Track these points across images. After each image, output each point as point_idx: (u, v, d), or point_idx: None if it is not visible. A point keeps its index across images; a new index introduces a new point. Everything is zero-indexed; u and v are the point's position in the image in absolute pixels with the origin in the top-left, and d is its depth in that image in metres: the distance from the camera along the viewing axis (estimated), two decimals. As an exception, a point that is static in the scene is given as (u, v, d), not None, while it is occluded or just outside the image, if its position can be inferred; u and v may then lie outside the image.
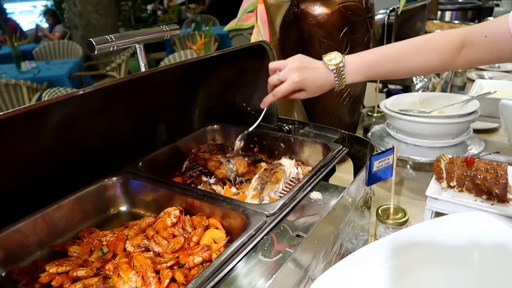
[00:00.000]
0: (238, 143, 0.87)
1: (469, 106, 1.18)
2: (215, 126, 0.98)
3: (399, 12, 1.21)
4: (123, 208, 0.77)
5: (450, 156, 0.98)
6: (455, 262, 0.47)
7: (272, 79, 0.83)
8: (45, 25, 7.18)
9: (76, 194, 0.72)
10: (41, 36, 6.36)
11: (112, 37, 0.58)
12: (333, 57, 0.81)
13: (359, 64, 0.82)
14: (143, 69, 0.64)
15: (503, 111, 0.46)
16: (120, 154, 0.79)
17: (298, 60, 0.82)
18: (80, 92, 0.55)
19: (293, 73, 0.80)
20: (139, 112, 0.83)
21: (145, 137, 0.84)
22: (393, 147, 0.77)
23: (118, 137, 0.80)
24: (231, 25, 1.18)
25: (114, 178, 0.76)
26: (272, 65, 0.84)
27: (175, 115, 0.92)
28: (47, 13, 6.97)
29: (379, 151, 0.76)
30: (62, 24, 6.91)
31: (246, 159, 0.82)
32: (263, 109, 0.85)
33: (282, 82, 0.81)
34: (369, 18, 1.20)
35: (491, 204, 0.88)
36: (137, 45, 0.63)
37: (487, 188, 0.88)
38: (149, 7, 8.25)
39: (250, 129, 0.86)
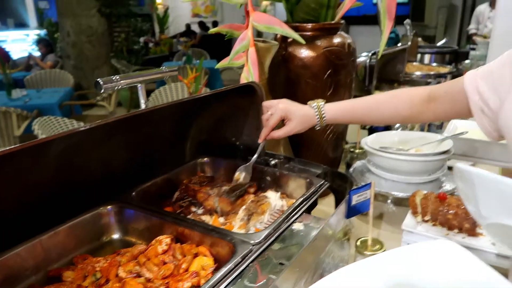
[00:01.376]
0: (237, 173, 0.93)
1: (444, 145, 1.27)
2: (206, 159, 1.04)
3: (378, 57, 1.31)
4: (116, 236, 0.81)
5: (425, 192, 1.05)
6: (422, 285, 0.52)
7: (265, 115, 0.95)
8: (37, 53, 7.27)
9: (72, 222, 0.76)
10: (32, 65, 6.42)
11: (118, 77, 0.64)
12: (315, 101, 0.96)
13: (336, 109, 0.96)
14: (143, 106, 0.70)
15: (458, 177, 0.53)
16: (115, 183, 0.83)
17: (286, 99, 0.97)
18: (82, 128, 0.61)
19: (280, 105, 0.94)
20: (134, 144, 0.88)
21: (139, 168, 0.89)
22: (371, 183, 0.84)
23: (113, 168, 0.85)
24: (223, 63, 1.26)
25: (109, 207, 0.80)
26: (265, 103, 0.97)
27: (168, 148, 0.98)
28: (41, 42, 7.08)
29: (358, 186, 0.82)
30: (54, 54, 7.00)
31: (230, 199, 0.87)
32: (260, 144, 0.96)
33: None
34: (351, 61, 1.30)
35: (462, 238, 0.94)
36: (138, 85, 0.69)
37: (458, 223, 0.95)
38: (142, 39, 8.44)
39: (251, 161, 0.95)
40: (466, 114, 0.83)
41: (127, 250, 0.73)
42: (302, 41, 1.07)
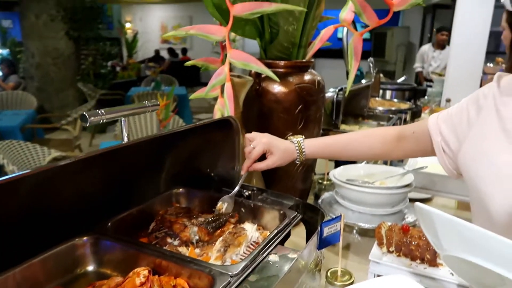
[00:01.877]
0: (220, 203, 0.96)
1: (406, 178, 1.35)
2: (181, 189, 1.05)
3: (346, 93, 1.39)
4: (90, 267, 0.80)
5: (389, 224, 1.11)
6: None
7: (248, 148, 1.01)
8: (-2, 73, 7.04)
9: (46, 254, 0.75)
10: (-7, 85, 6.20)
11: (103, 111, 0.66)
12: (295, 137, 1.04)
13: (315, 145, 1.03)
14: (125, 139, 0.72)
15: (418, 214, 0.59)
16: (90, 214, 0.83)
17: (268, 134, 1.04)
18: (60, 164, 0.62)
19: (263, 139, 1.01)
20: (111, 176, 0.89)
21: (115, 199, 0.89)
22: (341, 215, 0.88)
23: (89, 199, 0.84)
24: (198, 94, 1.30)
25: (84, 238, 0.80)
26: (248, 136, 1.03)
27: (144, 179, 0.99)
28: (3, 62, 6.86)
29: (329, 218, 0.87)
30: (17, 74, 6.80)
31: (208, 228, 0.89)
32: (242, 175, 1.02)
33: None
34: (321, 97, 1.38)
35: (424, 268, 1.00)
36: (122, 119, 0.71)
37: (420, 254, 1.01)
38: (109, 63, 8.37)
39: (233, 192, 0.99)
40: (430, 153, 0.92)
41: (103, 283, 0.73)
42: (276, 78, 1.13)
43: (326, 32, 1.37)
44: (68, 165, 0.65)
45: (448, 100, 3.35)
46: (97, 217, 0.86)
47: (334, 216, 0.88)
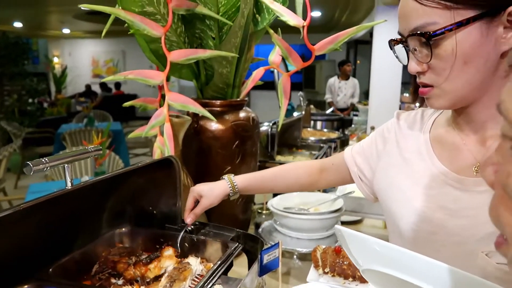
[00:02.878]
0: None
1: (337, 203, 1.47)
2: (123, 229, 1.07)
3: (278, 129, 1.50)
4: (32, 316, 0.79)
5: (324, 247, 1.21)
6: None
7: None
8: None
9: (-16, 306, 0.73)
10: None
11: (47, 159, 0.69)
12: (226, 175, 1.11)
13: (246, 178, 1.10)
14: (69, 184, 0.74)
15: (337, 234, 0.68)
16: (31, 262, 0.82)
17: (203, 183, 1.12)
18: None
19: (195, 188, 1.09)
20: (52, 222, 0.89)
21: (56, 244, 0.89)
22: (279, 242, 0.96)
23: (29, 247, 0.84)
24: (138, 133, 1.34)
25: (26, 286, 0.79)
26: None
27: (86, 222, 0.99)
28: None
29: (268, 246, 0.94)
30: None
31: (144, 261, 0.93)
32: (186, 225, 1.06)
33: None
34: (256, 132, 1.48)
35: (356, 285, 1.10)
36: (66, 165, 0.74)
37: (351, 272, 1.11)
38: (36, 100, 7.95)
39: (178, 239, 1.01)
40: (349, 181, 1.04)
41: (48, 330, 0.73)
42: (213, 118, 1.20)
43: (257, 73, 1.48)
44: (8, 216, 0.66)
45: (372, 128, 3.66)
46: (38, 264, 0.85)
47: (273, 244, 0.95)
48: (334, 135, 2.80)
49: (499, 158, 0.32)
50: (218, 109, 1.38)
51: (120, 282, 0.90)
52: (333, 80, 6.24)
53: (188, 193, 1.27)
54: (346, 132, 3.27)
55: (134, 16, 1.12)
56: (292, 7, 1.29)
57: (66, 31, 11.92)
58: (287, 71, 1.41)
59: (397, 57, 0.81)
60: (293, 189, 1.16)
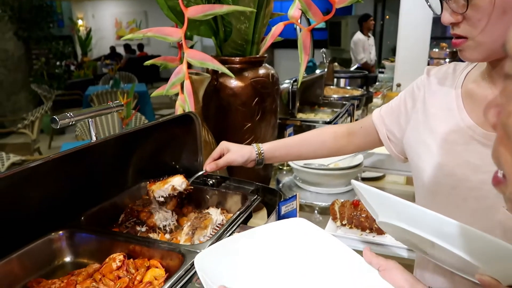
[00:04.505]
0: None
1: (356, 159, 1.48)
2: (148, 182, 1.12)
3: (298, 85, 1.49)
4: (67, 259, 0.86)
5: (342, 200, 1.23)
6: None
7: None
8: None
9: (24, 249, 0.80)
10: None
11: (72, 114, 0.72)
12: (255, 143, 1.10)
13: (272, 145, 1.10)
14: (94, 138, 0.78)
15: (354, 189, 0.69)
16: (64, 211, 0.89)
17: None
18: (30, 165, 0.68)
19: (223, 143, 1.09)
20: (81, 173, 0.95)
21: (86, 195, 0.95)
22: (296, 195, 0.99)
23: (62, 196, 0.90)
24: (159, 91, 1.36)
25: (61, 232, 0.85)
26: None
27: (113, 175, 1.05)
28: None
29: (286, 198, 0.97)
30: (-36, 79, 6.46)
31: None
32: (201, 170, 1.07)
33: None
34: (275, 89, 1.47)
35: (373, 236, 1.13)
36: (90, 119, 0.77)
37: (369, 224, 1.13)
38: (63, 62, 8.08)
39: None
40: (378, 143, 1.02)
41: (82, 270, 0.79)
42: (231, 75, 1.21)
43: (276, 29, 1.46)
44: (40, 165, 0.71)
45: (398, 85, 3.56)
46: (70, 213, 0.91)
47: (290, 197, 0.98)
48: (358, 92, 2.74)
49: (503, 99, 0.32)
50: (237, 66, 1.38)
51: (144, 229, 0.96)
52: (361, 37, 5.77)
53: (209, 149, 1.30)
54: (371, 89, 3.20)
55: (150, -29, 1.11)
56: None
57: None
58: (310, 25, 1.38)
59: (430, 6, 0.77)
60: (320, 155, 1.13)
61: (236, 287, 0.58)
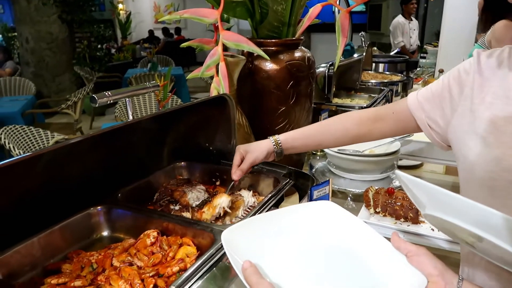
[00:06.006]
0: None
1: (393, 146, 1.43)
2: (182, 163, 1.14)
3: (334, 69, 1.46)
4: (105, 233, 0.90)
5: (376, 188, 1.20)
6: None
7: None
8: (-7, 59, 7.02)
9: (66, 221, 0.84)
10: (-10, 72, 6.21)
11: (110, 93, 0.74)
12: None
13: (289, 135, 1.05)
14: (131, 117, 0.80)
15: (399, 180, 0.67)
16: (102, 187, 0.92)
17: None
18: (71, 141, 0.70)
19: (240, 147, 1.02)
20: (118, 152, 0.98)
21: (123, 173, 0.98)
22: (329, 180, 0.97)
23: (100, 173, 0.93)
24: (195, 74, 1.37)
25: (99, 207, 0.89)
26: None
27: (148, 154, 1.07)
28: (-2, 49, 6.84)
29: (318, 183, 0.96)
30: (12, 60, 6.79)
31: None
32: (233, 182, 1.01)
33: None
34: (311, 73, 1.45)
35: (407, 226, 1.10)
36: (127, 99, 0.79)
37: (403, 213, 1.10)
38: (104, 45, 8.32)
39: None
40: (411, 130, 0.95)
41: (118, 244, 0.83)
42: (266, 57, 1.19)
43: (314, 11, 1.42)
44: (80, 142, 0.73)
45: (441, 71, 3.40)
46: (108, 189, 0.95)
47: (322, 182, 0.96)
48: (397, 78, 2.64)
49: None
50: (272, 48, 1.36)
51: (177, 208, 0.98)
52: (401, 20, 5.55)
53: (243, 131, 1.30)
54: (411, 75, 3.08)
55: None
56: None
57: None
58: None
59: None
60: (342, 143, 1.06)
61: (261, 263, 0.58)
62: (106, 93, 0.73)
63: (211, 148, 1.17)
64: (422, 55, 4.56)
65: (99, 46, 8.01)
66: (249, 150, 1.03)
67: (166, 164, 1.13)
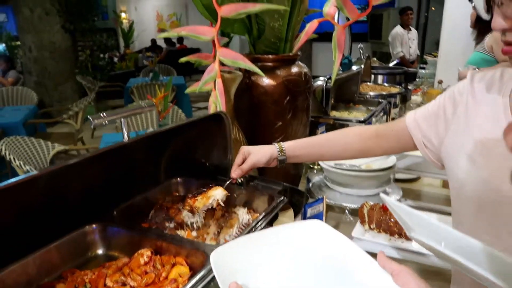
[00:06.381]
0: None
1: (389, 161, 1.44)
2: (179, 179, 1.15)
3: (331, 83, 1.47)
4: (100, 251, 0.91)
5: (372, 203, 1.21)
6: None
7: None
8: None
9: (61, 240, 0.85)
10: (-8, 81, 6.26)
11: (105, 114, 0.76)
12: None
13: (294, 144, 1.06)
14: (126, 138, 0.81)
15: (385, 203, 0.68)
16: (97, 204, 0.93)
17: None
18: (68, 164, 0.72)
19: (243, 148, 1.05)
20: (115, 169, 0.98)
21: (119, 191, 0.99)
22: (323, 197, 0.98)
23: (96, 192, 0.94)
24: (193, 88, 1.39)
25: (94, 225, 0.90)
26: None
27: (145, 171, 1.08)
28: (0, 58, 6.90)
29: (312, 201, 0.96)
30: (15, 69, 6.85)
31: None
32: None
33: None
34: (307, 88, 1.46)
35: (401, 242, 1.10)
36: (122, 119, 0.80)
37: (398, 229, 1.11)
38: (107, 55, 8.38)
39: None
40: (410, 148, 0.96)
41: (112, 263, 0.83)
42: (262, 74, 1.21)
43: (311, 26, 1.44)
44: (76, 163, 0.74)
45: (440, 82, 3.41)
46: (103, 207, 0.95)
47: (316, 199, 0.97)
48: (396, 89, 2.65)
49: None
50: (270, 64, 1.38)
51: (172, 225, 0.99)
52: (400, 31, 5.61)
53: (239, 147, 1.31)
54: (410, 86, 3.09)
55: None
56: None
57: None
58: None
59: (474, 7, 0.73)
60: (343, 157, 1.08)
61: (249, 284, 0.59)
62: (102, 115, 0.75)
63: (207, 164, 1.18)
64: (421, 65, 4.57)
65: (101, 55, 8.07)
66: (252, 152, 1.05)
67: (163, 180, 1.14)
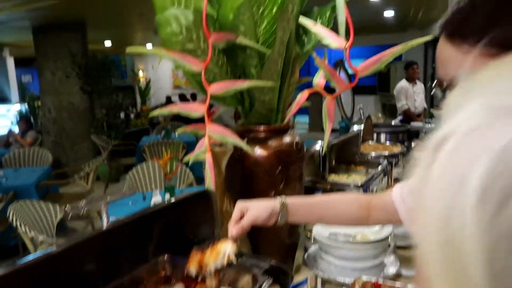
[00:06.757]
0: None
1: (385, 230, 1.41)
2: (165, 257, 1.14)
3: (323, 152, 1.49)
4: None
5: (365, 279, 1.17)
6: None
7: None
8: (17, 128, 7.39)
9: (38, 329, 0.84)
10: (12, 142, 6.51)
11: (83, 204, 0.78)
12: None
13: (295, 201, 1.02)
14: (104, 225, 0.83)
15: None
16: (83, 285, 0.93)
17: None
18: (53, 252, 0.73)
19: (240, 203, 1.01)
20: (99, 253, 0.99)
21: (102, 274, 0.99)
22: (307, 279, 0.96)
23: (80, 272, 0.94)
24: (186, 159, 1.42)
25: (74, 312, 0.89)
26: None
27: (132, 250, 1.09)
28: (21, 119, 7.23)
29: (296, 283, 0.94)
30: (34, 129, 7.13)
31: None
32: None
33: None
34: (300, 157, 1.47)
35: (396, 324, 1.05)
36: (103, 207, 0.82)
37: (391, 309, 1.06)
38: (122, 114, 8.68)
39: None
40: (399, 221, 0.94)
41: None
42: (250, 150, 1.24)
43: (302, 97, 1.48)
44: (61, 252, 0.75)
45: (446, 137, 3.39)
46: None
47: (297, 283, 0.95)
48: (397, 149, 2.65)
49: None
50: (261, 135, 1.41)
51: (159, 309, 0.97)
52: (405, 84, 5.69)
53: (230, 219, 1.31)
54: (413, 144, 3.08)
55: (175, 54, 1.20)
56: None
57: (149, 46, 12.88)
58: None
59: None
60: (341, 222, 1.07)
61: None
62: (79, 206, 0.77)
63: (195, 239, 1.18)
64: (427, 119, 4.59)
65: (117, 113, 8.36)
66: (250, 207, 0.96)
67: (150, 257, 1.14)
